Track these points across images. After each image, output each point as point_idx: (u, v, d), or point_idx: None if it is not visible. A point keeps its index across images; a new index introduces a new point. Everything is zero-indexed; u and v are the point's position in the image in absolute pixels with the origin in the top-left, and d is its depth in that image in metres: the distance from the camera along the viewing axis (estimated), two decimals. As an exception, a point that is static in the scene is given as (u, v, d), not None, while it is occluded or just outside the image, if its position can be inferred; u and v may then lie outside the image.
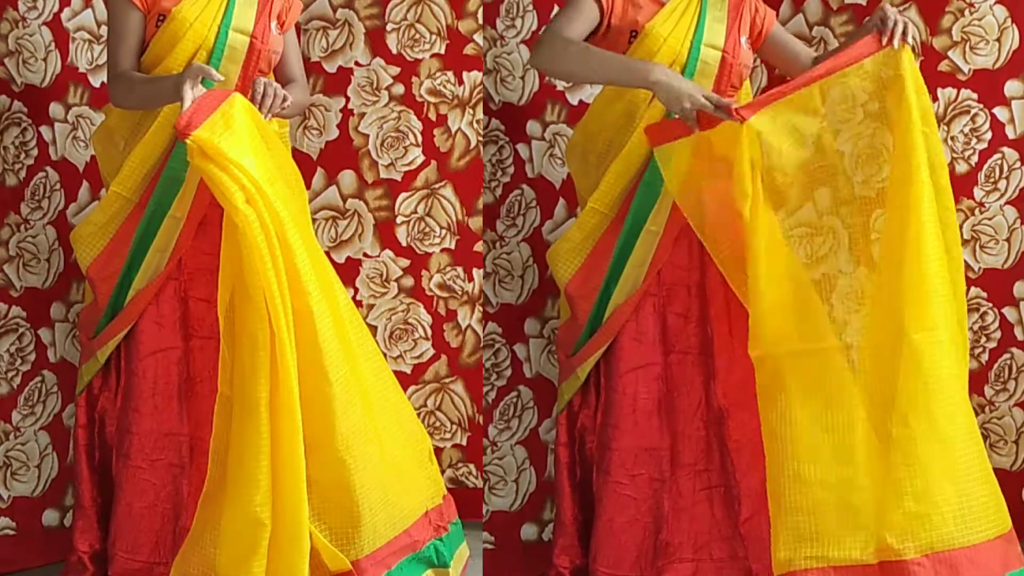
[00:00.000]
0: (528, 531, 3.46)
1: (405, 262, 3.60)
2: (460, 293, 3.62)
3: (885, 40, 2.82)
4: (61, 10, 3.42)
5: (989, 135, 3.48)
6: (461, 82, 3.59)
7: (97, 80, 3.45)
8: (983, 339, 3.52)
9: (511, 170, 3.50)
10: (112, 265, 3.02)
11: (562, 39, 2.93)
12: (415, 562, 3.04)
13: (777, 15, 3.46)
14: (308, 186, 3.43)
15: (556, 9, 3.46)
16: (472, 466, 3.62)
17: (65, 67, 3.43)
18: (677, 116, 2.88)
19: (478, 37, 3.58)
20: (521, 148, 3.51)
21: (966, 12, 3.45)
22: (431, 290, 3.62)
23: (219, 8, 2.98)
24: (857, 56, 2.85)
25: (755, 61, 3.27)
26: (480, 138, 3.59)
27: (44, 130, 3.40)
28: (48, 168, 3.40)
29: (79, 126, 3.42)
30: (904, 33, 2.81)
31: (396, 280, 3.63)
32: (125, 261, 3.01)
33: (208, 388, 2.99)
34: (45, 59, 3.39)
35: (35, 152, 3.38)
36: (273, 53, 3.07)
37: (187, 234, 2.99)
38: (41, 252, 3.38)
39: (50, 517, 3.41)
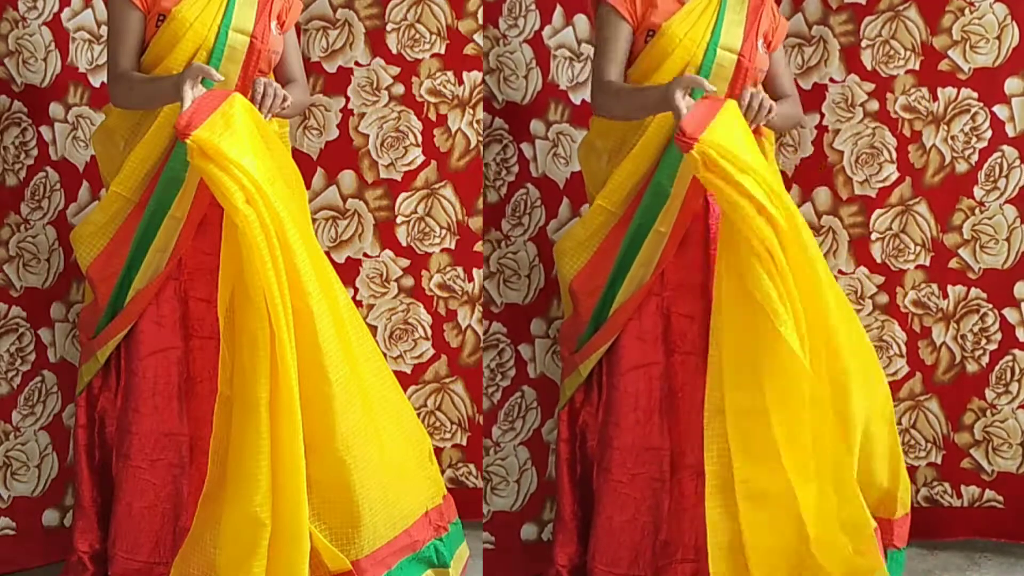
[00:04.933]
0: (528, 531, 3.46)
1: (405, 262, 3.60)
2: (460, 293, 3.62)
3: None
4: (61, 10, 3.41)
5: (989, 133, 3.46)
6: (461, 82, 3.59)
7: (97, 80, 3.45)
8: (983, 341, 3.50)
9: (515, 169, 3.50)
10: (112, 265, 3.02)
11: (602, 85, 2.97)
12: (415, 562, 3.05)
13: (777, 13, 3.49)
14: (308, 186, 3.43)
15: (558, 8, 3.48)
16: (472, 466, 3.62)
17: (65, 67, 3.42)
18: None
19: (478, 37, 3.58)
20: (525, 147, 3.50)
21: (966, 11, 3.44)
22: (431, 290, 3.61)
23: (219, 8, 2.98)
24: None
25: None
26: (480, 138, 3.59)
27: (44, 130, 3.39)
28: (48, 168, 3.40)
29: (79, 126, 3.42)
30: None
31: (396, 280, 3.62)
32: (125, 261, 3.01)
33: (208, 388, 2.99)
34: (45, 59, 3.38)
35: (35, 152, 3.37)
36: (273, 53, 3.07)
37: (187, 234, 2.99)
38: (41, 252, 3.38)
39: (50, 517, 3.40)
